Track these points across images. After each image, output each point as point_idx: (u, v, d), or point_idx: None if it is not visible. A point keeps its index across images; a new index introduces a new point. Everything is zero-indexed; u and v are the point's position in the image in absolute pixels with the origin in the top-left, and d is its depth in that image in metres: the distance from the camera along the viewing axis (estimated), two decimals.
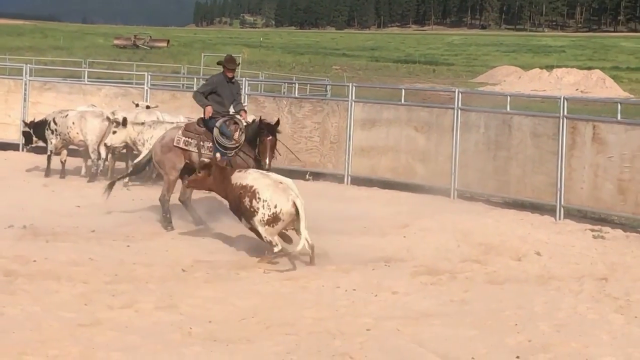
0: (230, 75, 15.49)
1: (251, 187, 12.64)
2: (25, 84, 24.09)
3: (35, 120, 20.65)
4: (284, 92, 30.89)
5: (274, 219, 12.43)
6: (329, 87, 39.71)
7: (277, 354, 8.78)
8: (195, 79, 33.68)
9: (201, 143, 15.05)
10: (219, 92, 15.34)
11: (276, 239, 12.52)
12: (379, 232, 14.96)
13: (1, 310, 9.71)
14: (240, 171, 13.25)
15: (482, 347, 9.08)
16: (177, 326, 9.54)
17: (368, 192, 19.59)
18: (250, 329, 9.57)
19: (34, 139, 20.66)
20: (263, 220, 12.44)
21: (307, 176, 20.92)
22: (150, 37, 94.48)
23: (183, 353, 8.67)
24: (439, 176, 19.26)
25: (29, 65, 25.71)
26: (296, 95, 23.61)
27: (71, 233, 13.97)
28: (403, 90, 20.99)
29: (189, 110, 20.70)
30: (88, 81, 25.68)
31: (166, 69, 53.86)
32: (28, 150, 22.27)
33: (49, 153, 20.00)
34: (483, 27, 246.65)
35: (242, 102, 15.74)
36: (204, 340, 9.12)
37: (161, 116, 19.99)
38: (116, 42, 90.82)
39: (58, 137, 19.92)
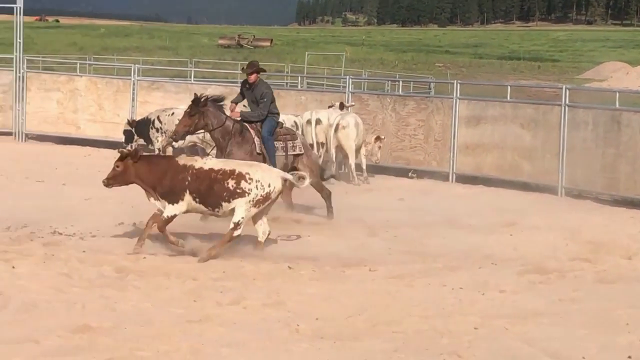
0: (249, 80, 15.39)
1: (233, 170, 12.46)
2: (134, 84, 24.47)
3: (137, 119, 20.97)
4: (387, 90, 30.83)
5: (265, 199, 12.42)
6: (432, 85, 39.53)
7: (384, 352, 8.76)
8: (299, 78, 33.83)
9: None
10: (244, 95, 15.55)
11: (244, 222, 12.42)
12: (485, 230, 14.82)
13: (113, 305, 9.90)
14: (184, 158, 12.83)
15: (593, 347, 8.93)
16: (284, 323, 9.59)
17: (473, 190, 19.45)
18: (357, 327, 9.57)
19: (135, 137, 20.98)
20: (252, 201, 12.34)
21: (410, 174, 20.85)
22: (254, 36, 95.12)
23: (291, 350, 8.71)
24: (545, 174, 19.05)
25: (136, 65, 26.12)
26: (400, 93, 23.58)
27: (180, 230, 14.14)
28: (509, 87, 20.78)
29: (293, 109, 20.85)
30: (194, 81, 26.00)
31: (270, 68, 54.13)
32: None
33: (156, 152, 20.26)
34: (589, 23, 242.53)
35: (262, 112, 15.22)
36: (312, 337, 9.15)
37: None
38: (220, 41, 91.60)
39: (164, 135, 20.18)
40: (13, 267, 11.29)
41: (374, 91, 27.94)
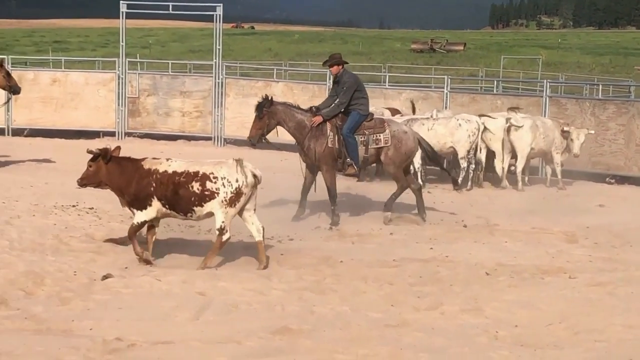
0: (332, 73, 15.61)
1: (197, 171, 11.62)
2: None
3: None
4: (585, 94, 30.16)
5: (237, 195, 11.57)
6: (632, 88, 38.44)
7: None
8: (494, 82, 33.47)
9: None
10: (336, 92, 15.46)
11: (229, 225, 11.70)
12: None
13: (312, 309, 10.03)
14: (149, 162, 11.89)
15: None
16: (482, 329, 9.50)
17: None
18: (558, 335, 9.40)
19: None
20: (225, 201, 11.56)
21: (607, 179, 20.33)
22: (447, 40, 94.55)
23: (491, 357, 8.62)
24: None
25: None
26: (599, 96, 23.03)
27: (375, 235, 14.22)
28: None
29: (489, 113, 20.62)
30: (389, 85, 26.09)
31: (463, 72, 53.79)
32: None
33: None
34: None
35: (342, 101, 15.14)
36: (511, 344, 9.04)
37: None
38: (413, 46, 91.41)
39: None
40: (214, 269, 11.59)
41: (572, 95, 27.34)
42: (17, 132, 25.26)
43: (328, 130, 15.13)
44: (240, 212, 11.83)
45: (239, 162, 11.68)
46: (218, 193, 11.55)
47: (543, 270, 12.08)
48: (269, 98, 15.16)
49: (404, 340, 9.05)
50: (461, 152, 18.95)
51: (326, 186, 15.22)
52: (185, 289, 10.58)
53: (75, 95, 25.61)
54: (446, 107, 22.31)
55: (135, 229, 11.82)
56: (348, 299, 10.49)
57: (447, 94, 23.45)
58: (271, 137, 15.39)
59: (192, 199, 11.61)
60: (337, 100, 15.19)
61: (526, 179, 19.78)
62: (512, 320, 9.82)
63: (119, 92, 25.56)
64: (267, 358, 8.43)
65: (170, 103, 25.78)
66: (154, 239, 12.08)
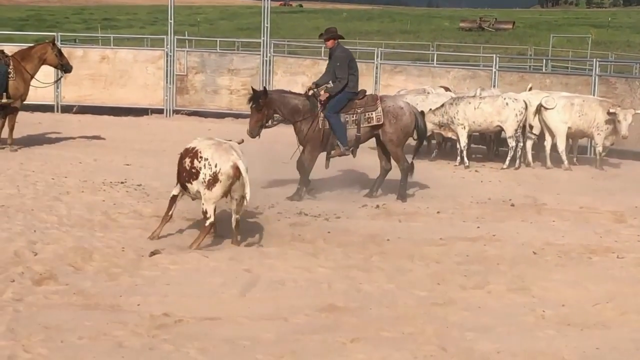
0: (327, 46, 15.63)
1: (194, 148, 11.57)
2: (377, 67, 24.70)
3: None
4: (635, 73, 29.86)
5: (213, 180, 11.29)
6: None
7: (634, 340, 8.53)
8: (543, 61, 33.25)
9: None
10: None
11: (212, 209, 11.44)
12: None
13: (358, 286, 10.05)
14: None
15: None
16: (529, 309, 9.48)
17: None
18: (606, 314, 9.34)
19: None
20: (204, 182, 11.31)
21: None
22: (496, 19, 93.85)
23: (537, 336, 8.60)
24: None
25: (379, 49, 26.33)
26: None
27: (422, 213, 14.20)
28: None
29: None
30: (437, 64, 26.00)
31: (512, 51, 53.44)
32: None
33: None
34: None
35: (341, 76, 15.10)
36: (558, 324, 9.00)
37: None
38: (462, 24, 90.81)
39: None
40: (261, 246, 11.64)
41: (622, 74, 27.08)
42: (67, 109, 25.48)
43: (320, 113, 15.11)
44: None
45: (227, 147, 11.52)
46: (199, 173, 11.41)
47: (591, 249, 12.00)
48: (263, 89, 15.28)
49: (450, 318, 9.05)
50: (509, 132, 18.83)
51: (303, 164, 15.13)
52: (232, 265, 10.64)
53: (124, 73, 25.79)
54: (494, 86, 22.18)
55: (170, 201, 11.99)
56: (394, 277, 10.49)
57: (495, 72, 23.31)
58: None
59: (184, 174, 11.61)
60: (337, 77, 15.14)
61: (574, 158, 19.62)
62: (559, 300, 9.77)
63: (167, 70, 25.69)
64: (314, 335, 8.46)
65: (218, 81, 25.88)
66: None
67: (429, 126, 18.33)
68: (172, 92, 25.70)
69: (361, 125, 15.19)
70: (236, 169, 11.25)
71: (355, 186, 15.75)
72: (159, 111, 25.71)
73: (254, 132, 15.00)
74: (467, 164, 18.77)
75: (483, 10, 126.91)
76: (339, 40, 15.54)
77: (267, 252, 11.35)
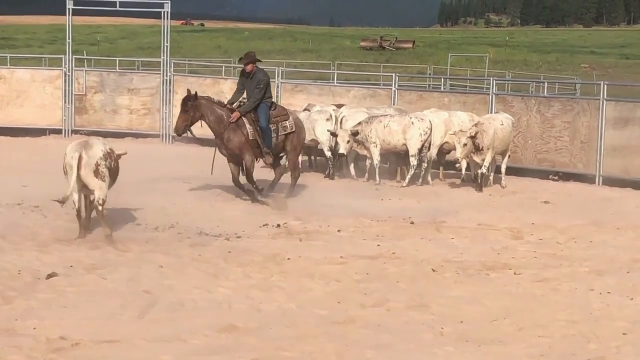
0: (246, 70, 16.37)
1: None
2: (278, 86, 24.71)
3: None
4: (531, 92, 30.39)
5: (64, 171, 12.69)
6: (578, 86, 38.84)
7: (530, 356, 8.66)
8: (442, 79, 33.67)
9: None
10: (244, 85, 16.44)
11: (74, 197, 12.59)
12: (634, 234, 14.50)
13: (259, 306, 10.03)
14: None
15: None
16: (428, 325, 9.56)
17: (621, 192, 18.95)
18: (503, 330, 9.48)
19: None
20: (64, 171, 12.72)
21: (550, 176, 20.46)
22: (396, 38, 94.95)
23: (435, 353, 8.68)
24: None
25: (280, 68, 26.37)
26: (545, 94, 23.23)
27: (323, 232, 14.24)
28: None
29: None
30: (337, 83, 26.14)
31: (412, 70, 54.06)
32: None
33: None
34: None
35: (257, 97, 16.21)
36: (456, 340, 9.11)
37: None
38: (363, 44, 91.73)
39: None
40: (161, 267, 11.55)
41: (519, 93, 27.54)
42: None
43: (246, 123, 16.11)
44: None
45: (84, 142, 12.78)
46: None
47: (488, 266, 12.16)
48: (194, 93, 16.13)
49: (350, 337, 9.08)
50: (412, 150, 18.96)
51: (245, 169, 16.10)
52: (131, 287, 10.55)
53: (21, 93, 25.40)
54: (394, 104, 22.34)
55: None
56: (295, 296, 10.50)
57: (394, 91, 23.49)
58: (194, 129, 16.36)
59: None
60: (252, 97, 16.22)
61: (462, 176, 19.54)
62: (457, 317, 9.89)
63: (65, 90, 25.37)
64: (213, 355, 8.42)
65: (117, 100, 25.63)
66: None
67: (348, 144, 18.76)
68: (70, 112, 25.37)
69: (279, 134, 16.45)
70: (78, 159, 12.35)
71: (255, 206, 15.76)
72: (58, 131, 25.36)
73: (179, 131, 16.17)
74: (378, 181, 18.91)
75: (384, 29, 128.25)
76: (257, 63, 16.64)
77: (167, 272, 11.27)
